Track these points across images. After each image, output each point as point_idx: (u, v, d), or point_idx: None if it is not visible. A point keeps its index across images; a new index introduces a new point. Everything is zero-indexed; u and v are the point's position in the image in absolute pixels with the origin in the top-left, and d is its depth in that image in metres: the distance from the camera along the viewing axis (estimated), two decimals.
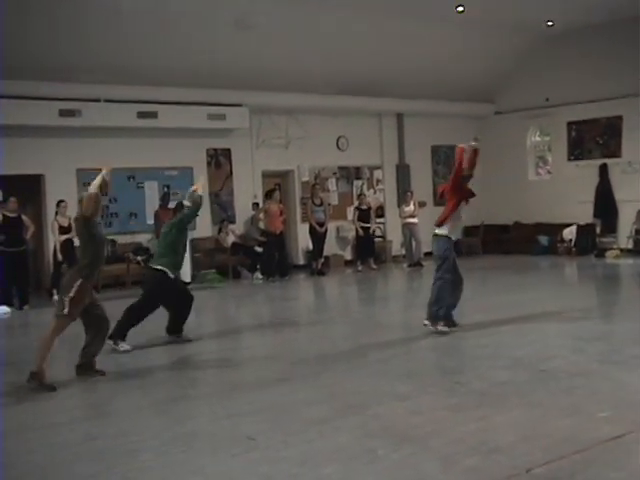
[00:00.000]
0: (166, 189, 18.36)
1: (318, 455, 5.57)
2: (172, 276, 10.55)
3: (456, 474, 5.10)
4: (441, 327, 10.14)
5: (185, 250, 10.95)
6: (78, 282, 8.34)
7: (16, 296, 14.99)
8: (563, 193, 21.58)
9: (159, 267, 10.49)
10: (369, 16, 18.18)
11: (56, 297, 14.97)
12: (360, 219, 19.63)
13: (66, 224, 15.58)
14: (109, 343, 9.93)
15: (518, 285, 15.61)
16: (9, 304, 14.73)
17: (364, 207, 19.78)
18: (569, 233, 20.83)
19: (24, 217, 15.23)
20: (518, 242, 21.91)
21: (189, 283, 16.51)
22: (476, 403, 6.72)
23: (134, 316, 10.40)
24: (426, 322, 10.29)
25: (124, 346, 10.08)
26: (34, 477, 5.49)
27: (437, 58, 20.53)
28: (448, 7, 17.90)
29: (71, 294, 8.28)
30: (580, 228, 20.71)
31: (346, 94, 20.35)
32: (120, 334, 10.12)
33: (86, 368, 8.63)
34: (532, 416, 6.29)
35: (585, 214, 20.90)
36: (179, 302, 10.64)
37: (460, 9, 17.98)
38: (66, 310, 8.27)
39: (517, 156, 23.04)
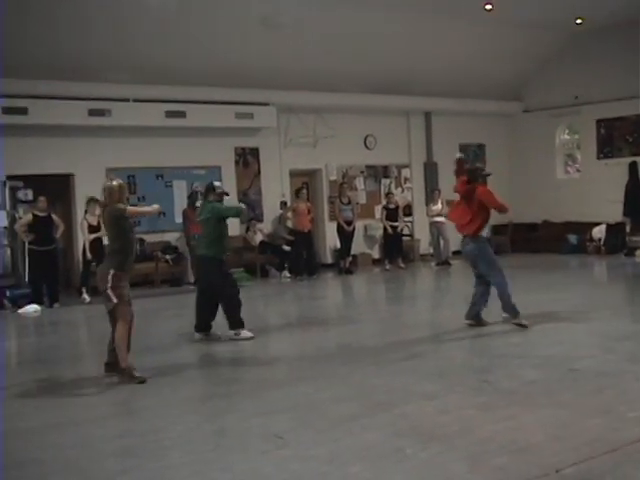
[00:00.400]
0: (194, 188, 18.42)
1: (346, 453, 5.57)
2: (223, 257, 10.64)
3: (484, 473, 5.08)
4: (523, 321, 10.25)
5: (226, 235, 10.86)
6: (111, 273, 8.37)
7: (46, 294, 15.11)
8: (592, 191, 21.44)
9: (209, 254, 10.58)
10: (397, 15, 18.15)
11: (85, 296, 15.25)
12: (388, 218, 19.64)
13: (95, 223, 15.68)
14: (229, 334, 10.39)
15: (547, 284, 15.51)
16: (39, 302, 14.84)
17: (392, 206, 19.78)
18: (598, 232, 20.69)
19: (54, 216, 15.34)
20: (547, 241, 21.79)
21: None
22: (505, 402, 6.70)
23: (232, 303, 10.52)
24: (505, 315, 10.50)
25: (246, 333, 10.44)
26: (63, 473, 5.53)
27: (465, 56, 20.46)
28: (476, 5, 17.85)
29: (109, 284, 8.33)
30: (609, 227, 20.58)
31: (374, 93, 20.34)
32: (237, 324, 10.47)
33: (115, 366, 8.63)
34: (561, 416, 6.25)
35: (614, 213, 20.72)
36: (212, 299, 10.69)
37: (488, 7, 17.93)
38: (114, 299, 8.33)
39: (546, 154, 22.93)
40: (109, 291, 8.35)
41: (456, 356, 9.13)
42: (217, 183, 11.16)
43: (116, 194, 8.61)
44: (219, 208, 10.73)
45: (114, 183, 8.68)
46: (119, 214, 8.58)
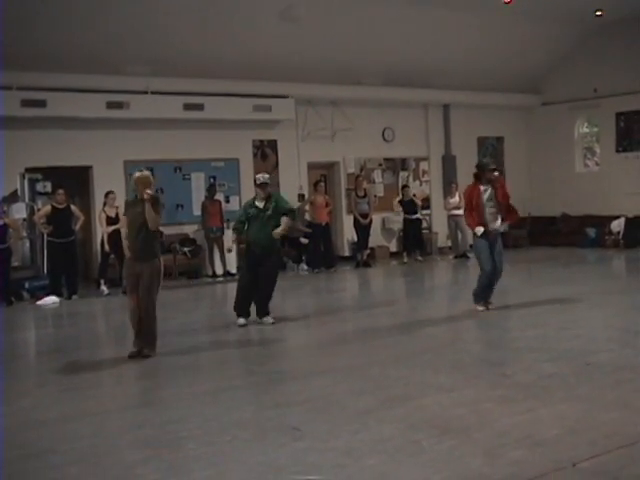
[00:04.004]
0: (212, 180, 18.48)
1: (363, 446, 5.58)
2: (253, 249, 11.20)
3: (501, 467, 5.07)
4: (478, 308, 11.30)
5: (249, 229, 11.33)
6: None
7: (65, 286, 15.19)
8: (611, 185, 21.36)
9: None
10: (415, 6, 18.12)
11: (103, 287, 15.39)
12: (405, 211, 19.64)
13: (114, 215, 15.73)
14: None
15: (565, 278, 15.48)
16: (58, 294, 14.93)
17: (407, 199, 19.75)
18: (617, 225, 20.59)
19: (73, 207, 15.40)
20: (565, 234, 21.73)
21: (234, 274, 16.68)
22: (521, 395, 6.69)
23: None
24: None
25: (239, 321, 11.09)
26: (82, 463, 5.56)
27: (484, 49, 20.40)
28: None
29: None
30: (628, 220, 20.48)
31: (392, 85, 20.33)
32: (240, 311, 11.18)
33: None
34: (578, 409, 6.24)
35: (633, 206, 20.65)
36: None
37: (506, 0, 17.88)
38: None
39: (564, 148, 22.84)
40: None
41: (473, 349, 9.13)
42: (258, 175, 11.69)
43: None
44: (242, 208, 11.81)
45: (141, 174, 9.20)
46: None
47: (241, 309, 11.10)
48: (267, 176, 11.59)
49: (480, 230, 10.98)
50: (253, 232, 11.17)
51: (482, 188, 11.11)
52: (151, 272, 8.98)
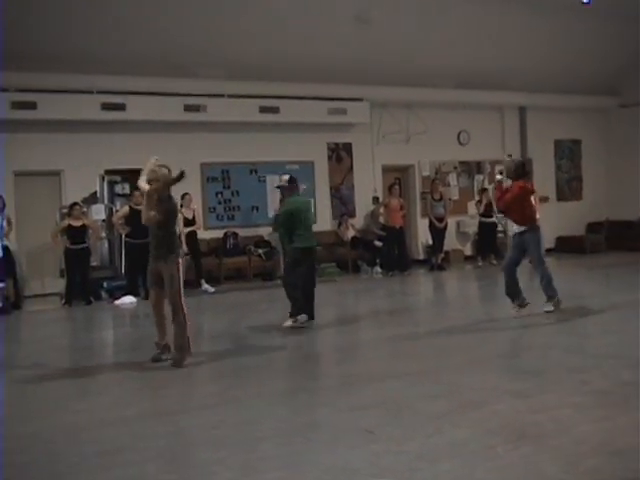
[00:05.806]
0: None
1: (437, 450, 5.55)
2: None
3: (578, 475, 4.99)
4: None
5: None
6: None
7: (141, 286, 15.39)
8: None
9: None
10: (491, 8, 17.98)
11: (207, 286, 15.99)
12: (482, 214, 19.52)
13: (190, 216, 15.95)
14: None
15: None
16: (135, 294, 15.17)
17: (485, 201, 19.63)
18: None
19: None
20: None
21: None
22: (599, 403, 6.58)
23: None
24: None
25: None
26: (159, 461, 5.63)
27: (560, 50, 20.14)
28: None
29: None
30: None
31: (467, 88, 20.19)
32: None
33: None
34: None
35: None
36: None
37: (585, 0, 17.60)
38: None
39: None
40: None
41: (550, 354, 8.99)
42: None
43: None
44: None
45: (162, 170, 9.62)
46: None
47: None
48: (286, 178, 11.42)
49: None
50: None
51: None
52: (170, 271, 9.21)
